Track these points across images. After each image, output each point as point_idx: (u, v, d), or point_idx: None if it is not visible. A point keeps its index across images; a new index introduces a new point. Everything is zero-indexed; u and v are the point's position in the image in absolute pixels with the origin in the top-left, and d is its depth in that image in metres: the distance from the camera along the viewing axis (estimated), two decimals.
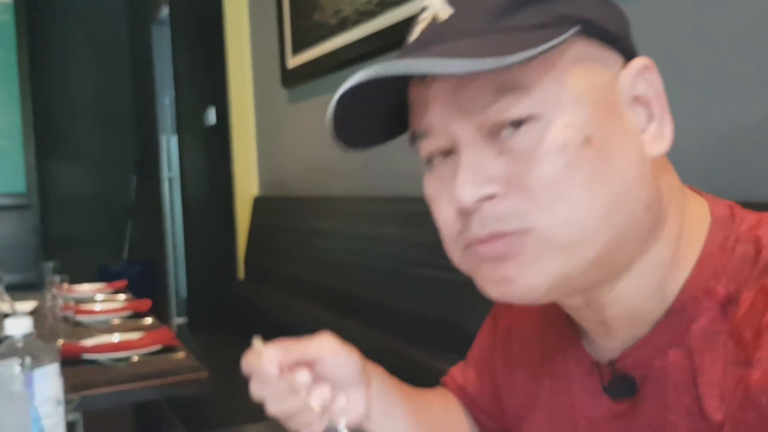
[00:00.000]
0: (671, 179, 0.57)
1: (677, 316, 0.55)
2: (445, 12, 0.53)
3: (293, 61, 2.90)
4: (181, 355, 1.74)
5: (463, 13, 0.52)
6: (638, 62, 0.54)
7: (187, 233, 4.58)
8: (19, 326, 0.92)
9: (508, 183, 0.51)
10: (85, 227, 5.19)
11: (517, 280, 0.52)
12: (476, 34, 0.51)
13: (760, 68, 1.08)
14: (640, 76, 0.54)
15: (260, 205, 3.32)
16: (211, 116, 3.94)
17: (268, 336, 2.71)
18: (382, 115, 0.60)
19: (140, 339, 1.84)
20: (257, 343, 0.69)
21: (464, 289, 1.84)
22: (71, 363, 1.69)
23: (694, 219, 0.56)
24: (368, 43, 2.32)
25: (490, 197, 0.52)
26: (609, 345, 0.60)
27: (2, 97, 4.40)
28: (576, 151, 0.50)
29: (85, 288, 2.71)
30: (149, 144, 5.01)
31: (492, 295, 0.56)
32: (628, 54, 0.55)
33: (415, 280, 2.01)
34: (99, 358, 1.69)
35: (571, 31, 0.51)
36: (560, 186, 0.50)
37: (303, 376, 0.67)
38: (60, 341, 1.86)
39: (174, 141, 4.62)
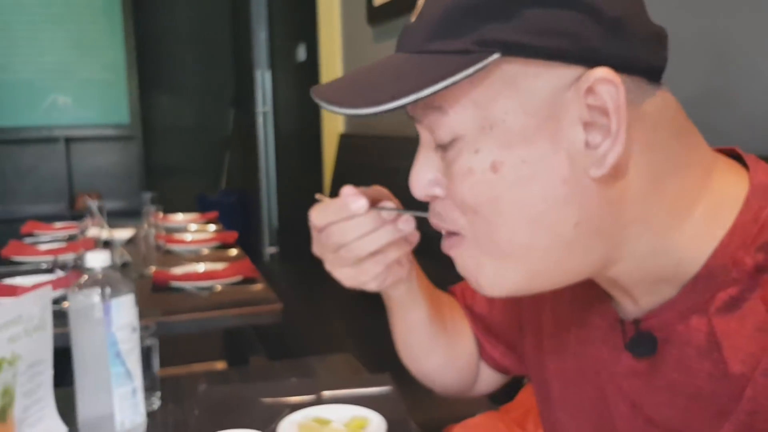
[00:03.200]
0: (673, 173, 0.55)
1: (703, 283, 0.55)
2: (416, 12, 0.58)
3: None
4: (259, 286, 1.84)
5: (419, 22, 0.57)
6: (593, 74, 0.51)
7: (279, 167, 4.71)
8: (99, 260, 1.00)
9: (445, 188, 0.58)
10: (185, 157, 5.42)
11: (469, 276, 0.60)
12: (411, 51, 0.56)
13: None
14: (597, 86, 0.51)
15: (345, 142, 3.37)
16: (301, 52, 3.99)
17: None
18: None
19: (224, 269, 1.95)
20: (321, 197, 0.71)
21: None
22: (160, 289, 1.83)
23: (724, 193, 0.56)
24: None
25: (436, 197, 0.59)
26: (632, 306, 0.61)
27: (107, 32, 4.61)
28: (480, 177, 0.54)
29: (179, 218, 2.87)
30: (245, 78, 5.13)
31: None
32: (599, 58, 0.51)
33: None
34: (185, 286, 1.82)
35: (484, 62, 0.51)
36: (469, 204, 0.55)
37: (388, 204, 0.71)
38: (152, 268, 2.00)
39: (268, 76, 4.72)
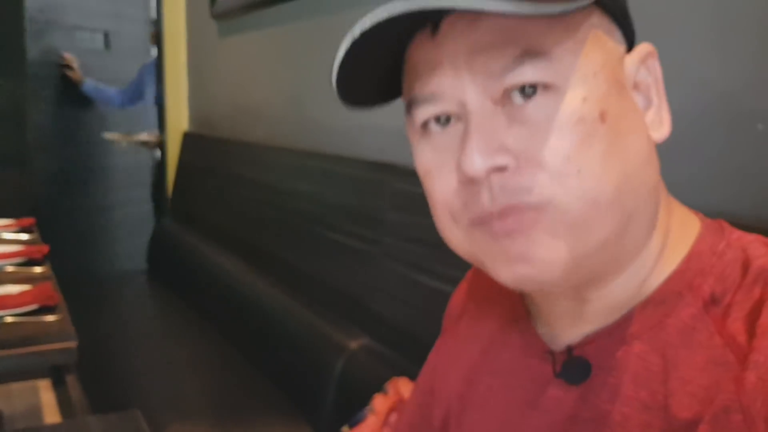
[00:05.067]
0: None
1: (653, 308, 0.53)
2: None
3: None
4: (54, 317, 1.62)
5: None
6: (644, 48, 0.54)
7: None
8: None
9: (521, 155, 0.49)
10: None
11: (533, 258, 0.50)
12: None
13: None
14: (644, 62, 0.54)
15: (189, 141, 3.16)
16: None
17: (183, 282, 2.54)
18: (373, 77, 0.56)
19: (18, 295, 1.72)
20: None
21: (371, 262, 1.75)
22: None
23: (681, 220, 0.56)
24: None
25: (501, 169, 0.49)
26: (572, 333, 0.57)
27: None
28: (591, 126, 0.49)
29: None
30: None
31: (506, 278, 0.52)
32: (629, 36, 0.55)
33: (325, 244, 1.91)
34: None
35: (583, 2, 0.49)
36: (575, 160, 0.48)
37: None
38: None
39: None
